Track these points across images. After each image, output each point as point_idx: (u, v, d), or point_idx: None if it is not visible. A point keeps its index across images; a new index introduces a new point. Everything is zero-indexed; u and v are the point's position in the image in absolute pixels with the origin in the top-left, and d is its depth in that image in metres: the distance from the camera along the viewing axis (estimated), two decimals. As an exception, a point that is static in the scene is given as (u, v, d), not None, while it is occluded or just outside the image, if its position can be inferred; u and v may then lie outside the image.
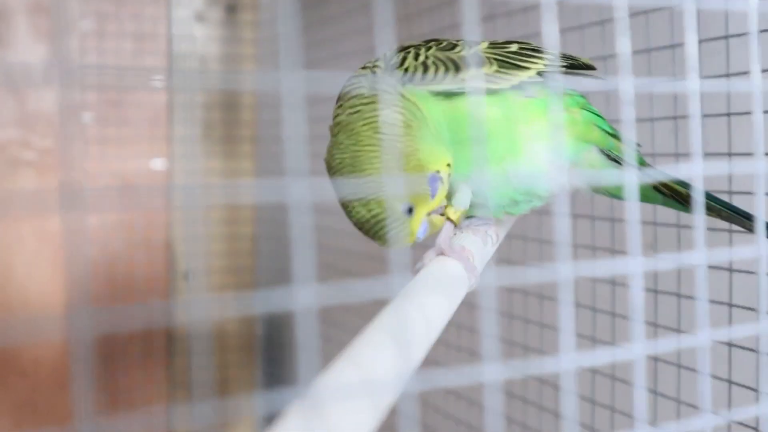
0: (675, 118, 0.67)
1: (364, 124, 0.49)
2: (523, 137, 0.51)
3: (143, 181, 1.22)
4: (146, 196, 1.22)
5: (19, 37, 1.15)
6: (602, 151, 0.54)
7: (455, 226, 0.52)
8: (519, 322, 0.83)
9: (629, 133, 0.39)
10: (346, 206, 0.50)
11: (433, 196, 0.49)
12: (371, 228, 0.49)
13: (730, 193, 0.61)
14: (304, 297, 0.29)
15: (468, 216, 0.55)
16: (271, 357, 1.30)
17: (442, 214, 0.51)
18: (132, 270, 1.22)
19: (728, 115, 0.63)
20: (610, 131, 0.55)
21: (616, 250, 0.72)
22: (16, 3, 1.15)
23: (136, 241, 1.22)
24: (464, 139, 0.50)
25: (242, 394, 1.29)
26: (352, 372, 0.33)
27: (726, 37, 0.62)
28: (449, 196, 0.52)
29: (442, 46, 0.53)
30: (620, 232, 0.71)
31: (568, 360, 0.32)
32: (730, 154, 0.63)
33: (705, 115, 0.63)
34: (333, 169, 0.51)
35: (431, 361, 0.82)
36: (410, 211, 0.49)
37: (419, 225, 0.50)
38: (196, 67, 1.24)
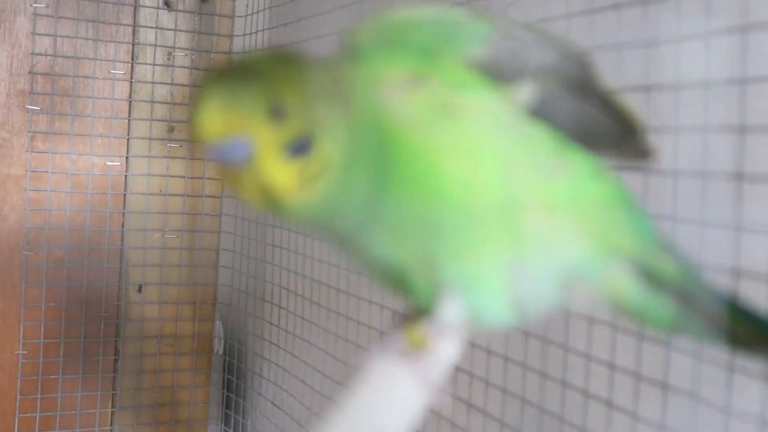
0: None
1: None
2: (532, 218, 0.33)
3: (96, 182, 1.10)
4: (98, 199, 1.11)
5: (-37, 14, 1.03)
6: (636, 267, 0.35)
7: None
8: None
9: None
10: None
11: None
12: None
13: None
14: None
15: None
16: (229, 380, 1.19)
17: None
18: (79, 279, 1.10)
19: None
20: (652, 235, 0.36)
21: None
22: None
23: (85, 247, 1.10)
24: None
25: (195, 421, 1.18)
26: None
27: None
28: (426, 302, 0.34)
29: None
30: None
31: None
32: None
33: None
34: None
35: None
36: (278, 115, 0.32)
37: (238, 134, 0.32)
38: (162, 59, 1.12)
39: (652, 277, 0.35)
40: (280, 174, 0.32)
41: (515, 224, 0.32)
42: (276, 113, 0.32)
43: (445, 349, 0.34)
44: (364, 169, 0.33)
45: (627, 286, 0.35)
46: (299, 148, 0.32)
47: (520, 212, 0.32)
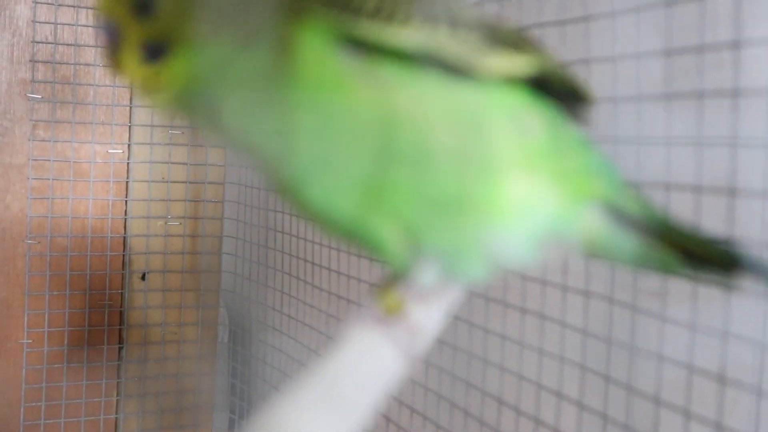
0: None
1: None
2: (513, 179, 0.32)
3: (98, 170, 1.10)
4: (101, 187, 1.11)
5: (-37, 2, 1.03)
6: (606, 208, 0.35)
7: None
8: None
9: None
10: None
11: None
12: None
13: None
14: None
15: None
16: (234, 367, 1.19)
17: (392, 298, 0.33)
18: (82, 267, 1.10)
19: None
20: (615, 173, 0.36)
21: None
22: (-39, -37, 1.02)
23: (88, 235, 1.10)
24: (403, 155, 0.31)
25: (200, 408, 1.18)
26: None
27: None
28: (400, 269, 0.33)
29: None
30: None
31: None
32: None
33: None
34: None
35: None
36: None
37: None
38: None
39: (619, 215, 0.35)
40: (132, 71, 0.33)
41: (497, 189, 0.31)
42: (143, 8, 0.32)
43: (426, 317, 0.33)
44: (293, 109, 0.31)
45: (599, 229, 0.35)
46: (154, 52, 0.32)
47: (502, 176, 0.32)
